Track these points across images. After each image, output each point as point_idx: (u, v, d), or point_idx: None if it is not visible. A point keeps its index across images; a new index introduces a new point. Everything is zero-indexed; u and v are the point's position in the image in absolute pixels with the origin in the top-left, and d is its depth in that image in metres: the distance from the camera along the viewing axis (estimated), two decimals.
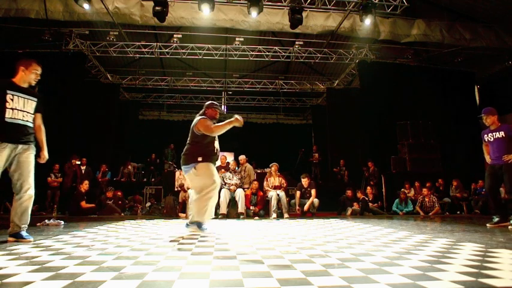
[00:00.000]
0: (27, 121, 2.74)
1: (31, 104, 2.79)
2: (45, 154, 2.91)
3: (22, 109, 2.71)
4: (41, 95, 2.90)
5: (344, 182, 9.62)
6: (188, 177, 3.35)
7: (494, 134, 4.17)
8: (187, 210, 6.13)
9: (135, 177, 10.14)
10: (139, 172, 10.65)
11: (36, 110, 2.85)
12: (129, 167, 10.02)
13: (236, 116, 3.20)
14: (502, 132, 4.09)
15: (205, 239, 2.83)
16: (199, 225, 3.32)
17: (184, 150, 3.39)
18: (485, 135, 4.29)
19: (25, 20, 7.54)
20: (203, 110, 3.51)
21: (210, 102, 3.58)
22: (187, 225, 3.44)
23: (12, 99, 2.66)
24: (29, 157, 2.71)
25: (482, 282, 1.33)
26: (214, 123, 3.37)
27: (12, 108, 2.65)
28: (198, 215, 3.28)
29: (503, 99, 10.01)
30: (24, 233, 2.65)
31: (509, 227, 3.79)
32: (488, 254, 1.96)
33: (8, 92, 2.65)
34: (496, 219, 4.02)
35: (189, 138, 3.40)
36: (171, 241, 2.65)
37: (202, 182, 3.24)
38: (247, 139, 12.25)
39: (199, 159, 3.24)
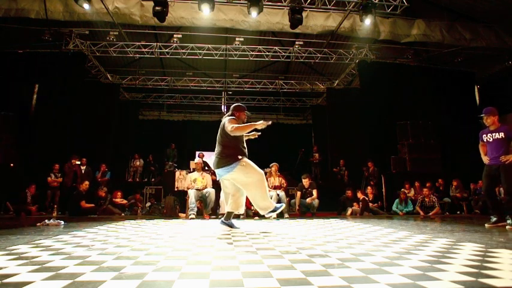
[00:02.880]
0: None
1: None
2: None
3: None
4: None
5: (344, 182, 9.62)
6: (234, 176, 3.33)
7: (493, 134, 4.14)
8: (186, 210, 6.13)
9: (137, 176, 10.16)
10: (149, 167, 10.65)
11: None
12: (137, 163, 10.05)
13: (263, 121, 3.20)
14: (502, 133, 4.06)
15: (204, 239, 2.83)
16: (275, 209, 3.44)
17: (218, 152, 3.37)
18: (484, 135, 4.27)
19: (25, 20, 7.53)
20: (231, 111, 3.52)
21: (240, 105, 3.59)
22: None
23: None
24: None
25: (482, 282, 1.33)
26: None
27: None
28: (265, 202, 3.39)
29: (503, 99, 10.00)
30: None
31: (507, 226, 3.81)
32: (488, 254, 1.96)
33: None
34: (494, 219, 4.04)
35: (220, 141, 3.39)
36: (169, 236, 2.65)
37: (255, 176, 3.28)
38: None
39: (239, 157, 3.28)
